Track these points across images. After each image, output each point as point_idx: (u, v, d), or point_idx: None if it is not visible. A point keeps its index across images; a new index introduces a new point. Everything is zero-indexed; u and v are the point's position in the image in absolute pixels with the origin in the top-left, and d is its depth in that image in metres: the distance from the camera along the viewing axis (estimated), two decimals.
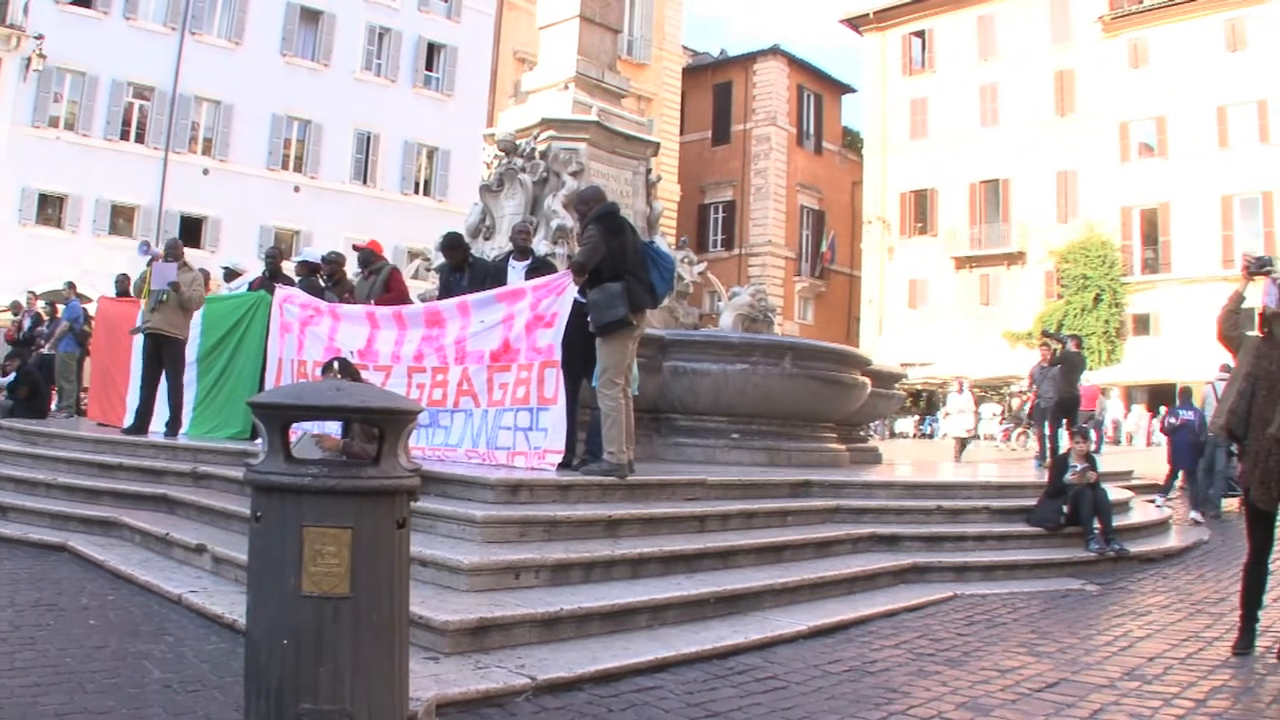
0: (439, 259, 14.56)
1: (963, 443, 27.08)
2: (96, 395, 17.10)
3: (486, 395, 11.30)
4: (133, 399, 15.09)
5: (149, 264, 14.07)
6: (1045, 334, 23.98)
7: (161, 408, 14.06)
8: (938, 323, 58.86)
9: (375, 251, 14.69)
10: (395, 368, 12.14)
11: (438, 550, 7.85)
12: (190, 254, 15.49)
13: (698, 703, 6.31)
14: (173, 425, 13.80)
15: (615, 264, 10.10)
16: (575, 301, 10.54)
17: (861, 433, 20.13)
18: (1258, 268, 8.16)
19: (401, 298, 14.02)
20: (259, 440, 4.82)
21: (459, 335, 11.61)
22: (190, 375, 14.33)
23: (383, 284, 14.10)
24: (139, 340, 14.63)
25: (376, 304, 13.56)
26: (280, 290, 14.22)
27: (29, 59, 40.39)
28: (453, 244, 13.43)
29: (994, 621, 9.25)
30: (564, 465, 10.55)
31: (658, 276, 10.41)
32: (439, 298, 13.66)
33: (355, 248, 15.01)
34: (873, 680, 7.02)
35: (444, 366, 11.76)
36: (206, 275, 16.48)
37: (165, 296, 13.65)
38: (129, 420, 14.57)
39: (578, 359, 10.66)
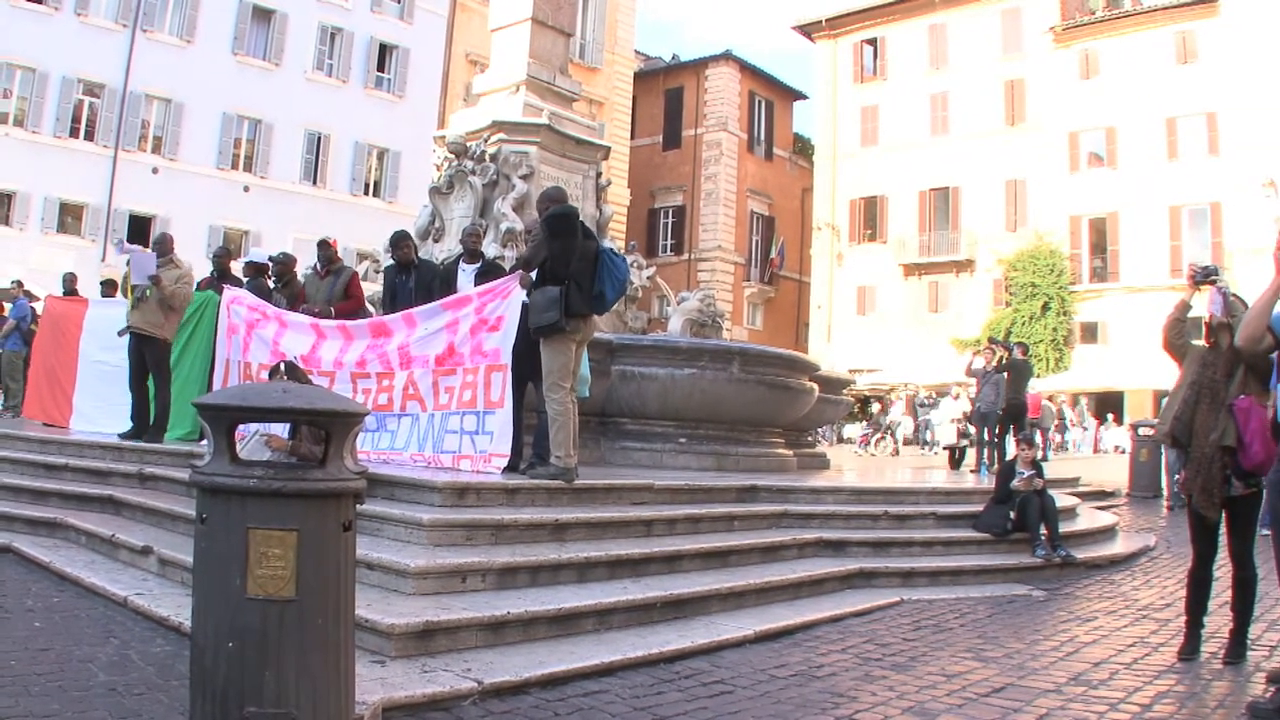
0: (388, 260, 14.50)
1: (953, 451, 26.32)
2: (36, 394, 16.91)
3: (433, 399, 11.30)
4: (81, 400, 14.99)
5: (129, 261, 13.77)
6: (992, 340, 23.95)
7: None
8: (886, 329, 59.09)
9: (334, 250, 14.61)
10: (338, 373, 12.09)
11: (384, 553, 7.83)
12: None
13: (644, 706, 6.32)
14: (157, 430, 13.26)
15: (558, 267, 10.12)
16: (525, 305, 10.56)
17: (809, 438, 20.16)
18: (1203, 277, 8.21)
19: (361, 305, 13.97)
20: (205, 441, 4.80)
21: (404, 343, 11.60)
22: None
23: (344, 289, 13.96)
24: (89, 341, 14.53)
25: (336, 310, 13.49)
26: (228, 291, 14.10)
27: None
28: (399, 240, 13.38)
29: (940, 627, 9.28)
30: (511, 469, 10.55)
31: (609, 285, 10.41)
32: (384, 299, 13.64)
33: (321, 244, 14.86)
34: (819, 685, 7.03)
35: (389, 372, 11.75)
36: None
37: (146, 293, 13.13)
38: (81, 422, 14.47)
39: (524, 363, 10.67)
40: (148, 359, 13.34)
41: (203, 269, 17.40)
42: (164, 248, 13.75)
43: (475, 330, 10.89)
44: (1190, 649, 8.05)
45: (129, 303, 13.47)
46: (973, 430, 22.82)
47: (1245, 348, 7.10)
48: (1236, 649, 7.86)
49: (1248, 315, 7.00)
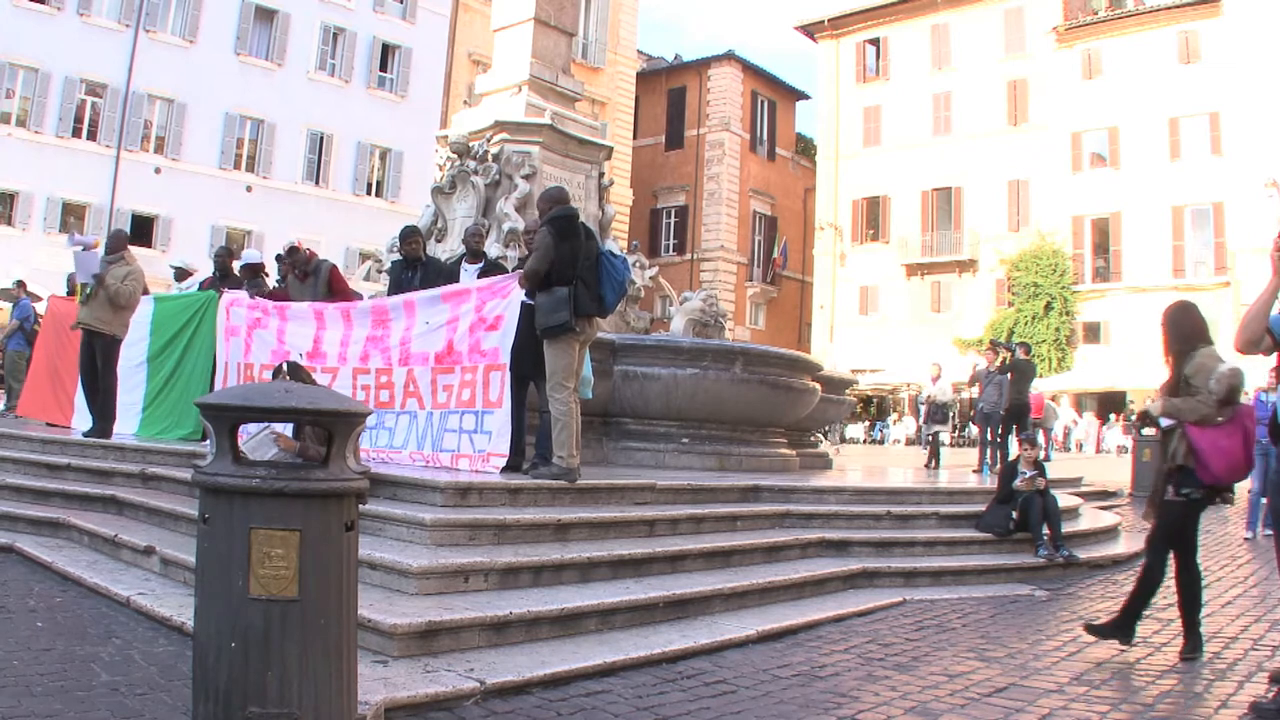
0: (390, 260, 14.46)
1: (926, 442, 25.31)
2: (35, 393, 16.90)
3: (431, 397, 11.29)
4: (83, 400, 14.98)
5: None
6: (994, 342, 23.85)
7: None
8: (889, 329, 59.22)
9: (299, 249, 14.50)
10: (341, 369, 12.07)
11: (386, 553, 7.81)
12: (141, 253, 15.25)
13: (646, 706, 6.31)
14: (103, 425, 13.32)
15: (564, 268, 10.11)
16: (523, 304, 10.56)
17: (812, 438, 20.14)
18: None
19: (346, 297, 13.89)
20: (208, 441, 4.80)
21: (404, 336, 11.59)
22: (140, 375, 14.14)
23: (326, 286, 13.87)
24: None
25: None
26: (227, 294, 14.05)
27: None
28: (409, 235, 13.29)
29: (943, 627, 9.28)
30: (513, 469, 10.54)
31: (609, 286, 10.40)
32: (389, 294, 13.60)
33: (290, 250, 14.77)
34: (821, 685, 7.02)
35: (388, 368, 11.73)
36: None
37: (90, 290, 13.33)
38: (83, 422, 14.45)
39: (526, 363, 10.66)
40: (97, 354, 13.46)
41: (206, 268, 17.42)
42: (116, 244, 13.87)
43: (474, 328, 10.89)
44: (1191, 647, 8.12)
45: (79, 300, 13.60)
46: (974, 429, 22.75)
47: (1244, 351, 7.11)
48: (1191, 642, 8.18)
49: (1245, 317, 6.98)
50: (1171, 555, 8.29)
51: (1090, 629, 8.54)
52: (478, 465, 10.57)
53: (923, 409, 24.32)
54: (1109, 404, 50.64)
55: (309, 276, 13.98)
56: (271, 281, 15.65)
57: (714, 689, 6.78)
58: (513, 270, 11.54)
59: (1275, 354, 6.95)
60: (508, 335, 10.65)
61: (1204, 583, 8.65)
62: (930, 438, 24.60)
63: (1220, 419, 7.78)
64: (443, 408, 11.18)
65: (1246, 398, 25.29)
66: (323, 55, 49.69)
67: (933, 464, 22.64)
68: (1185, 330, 8.16)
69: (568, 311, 10.00)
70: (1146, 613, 9.01)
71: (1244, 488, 16.64)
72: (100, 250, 13.72)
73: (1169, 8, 51.51)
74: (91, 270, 13.21)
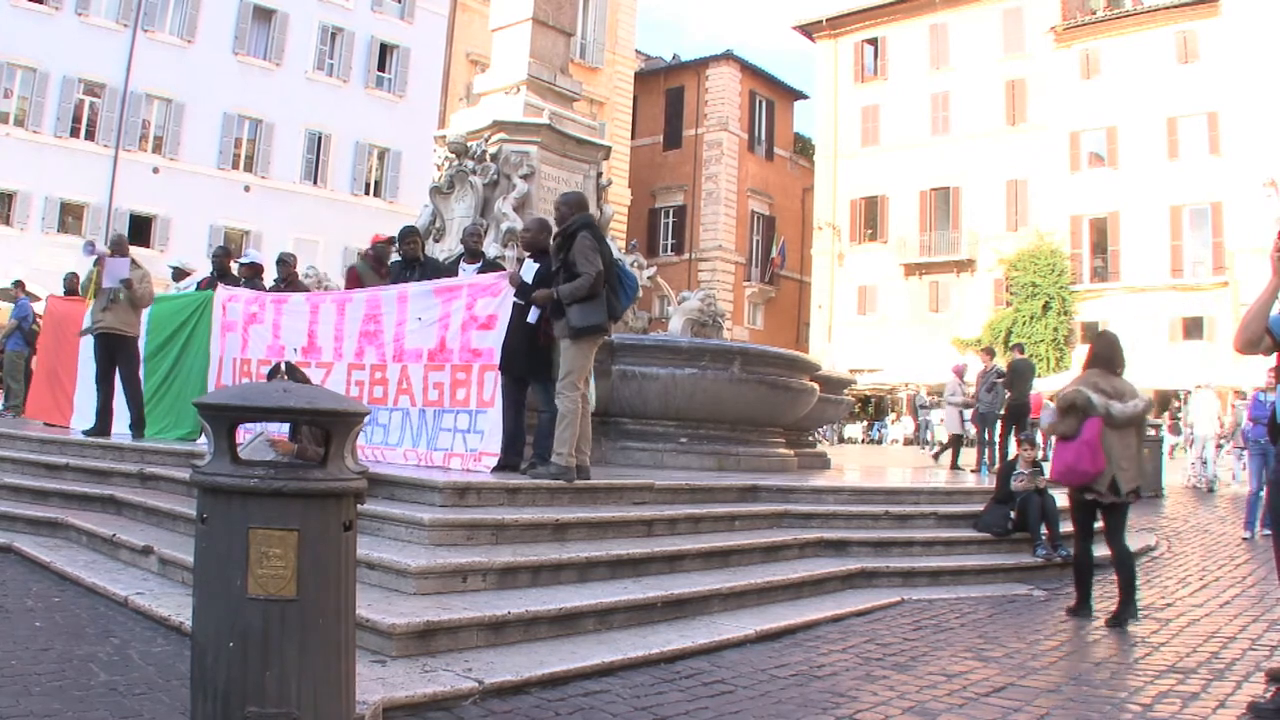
0: (393, 256, 14.48)
1: (942, 447, 25.00)
2: (38, 394, 16.93)
3: (422, 395, 11.33)
4: (82, 400, 14.96)
5: (95, 263, 13.89)
6: (985, 350, 23.82)
7: (121, 408, 13.79)
8: (887, 329, 59.19)
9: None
10: (336, 364, 12.14)
11: (385, 553, 7.82)
12: (140, 253, 15.28)
13: (645, 706, 6.31)
14: (136, 426, 13.50)
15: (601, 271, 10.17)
16: (516, 305, 10.58)
17: (810, 438, 20.12)
18: None
19: None
20: (204, 441, 4.80)
21: (397, 332, 11.63)
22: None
23: None
24: (87, 341, 14.48)
25: None
26: (223, 290, 14.09)
27: None
28: (407, 235, 13.40)
29: (941, 626, 9.28)
30: (511, 469, 10.56)
31: (622, 293, 10.48)
32: None
33: (376, 240, 14.96)
34: (820, 685, 7.02)
35: (383, 364, 11.77)
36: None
37: (119, 295, 13.30)
38: (81, 422, 14.47)
39: (522, 363, 10.68)
40: (120, 357, 13.58)
41: (204, 268, 17.43)
42: (123, 249, 13.88)
43: (466, 327, 10.93)
44: (1084, 610, 9.77)
45: (93, 305, 13.75)
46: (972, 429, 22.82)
47: (1244, 351, 7.10)
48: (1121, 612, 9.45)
49: (1245, 318, 6.96)
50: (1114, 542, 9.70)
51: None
52: (469, 464, 10.59)
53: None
54: None
55: (388, 270, 14.08)
56: (268, 283, 15.70)
57: (712, 689, 6.78)
58: (511, 269, 11.56)
59: (1275, 354, 6.94)
60: (501, 335, 10.67)
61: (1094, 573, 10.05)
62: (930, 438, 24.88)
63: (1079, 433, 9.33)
64: (434, 405, 11.22)
65: (1243, 400, 25.19)
66: (321, 55, 49.63)
67: (937, 456, 22.90)
68: (1091, 356, 10.14)
69: (603, 313, 10.06)
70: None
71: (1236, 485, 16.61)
72: (126, 259, 13.78)
73: (1167, 7, 51.52)
74: (120, 275, 13.31)
